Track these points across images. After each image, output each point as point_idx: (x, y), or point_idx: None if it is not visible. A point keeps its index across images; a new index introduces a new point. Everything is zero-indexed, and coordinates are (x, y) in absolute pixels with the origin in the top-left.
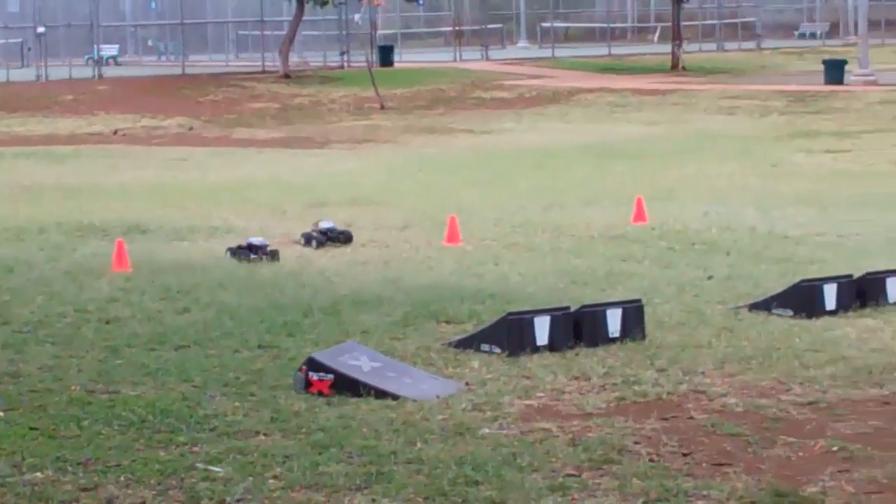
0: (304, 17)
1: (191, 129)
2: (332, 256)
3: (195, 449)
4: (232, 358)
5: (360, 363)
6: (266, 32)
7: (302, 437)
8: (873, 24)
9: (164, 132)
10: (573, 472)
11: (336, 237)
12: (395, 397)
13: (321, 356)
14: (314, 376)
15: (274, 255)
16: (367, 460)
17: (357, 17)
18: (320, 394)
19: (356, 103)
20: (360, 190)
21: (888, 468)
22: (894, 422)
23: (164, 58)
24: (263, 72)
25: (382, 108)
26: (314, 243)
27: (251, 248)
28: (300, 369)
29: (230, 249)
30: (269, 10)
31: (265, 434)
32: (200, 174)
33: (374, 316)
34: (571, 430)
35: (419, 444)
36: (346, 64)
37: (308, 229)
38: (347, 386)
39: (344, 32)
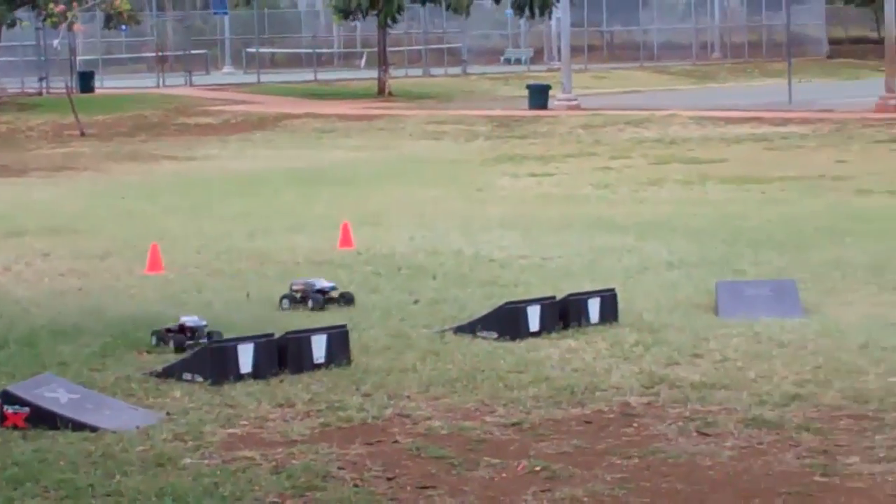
0: (1, 43)
1: None
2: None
3: None
4: None
5: (57, 395)
6: None
7: None
8: (576, 50)
9: None
10: (276, 501)
11: (336, 299)
12: (93, 429)
13: (16, 389)
14: (9, 409)
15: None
16: (64, 494)
17: (56, 42)
18: (15, 427)
19: (55, 130)
20: (58, 218)
21: (589, 486)
22: (595, 440)
23: None
24: None
25: (83, 134)
26: (310, 303)
27: (185, 332)
28: None
29: (156, 333)
30: None
31: None
32: None
33: (73, 347)
34: (275, 458)
35: (118, 477)
36: (44, 90)
37: (293, 289)
38: (44, 419)
39: (42, 58)
